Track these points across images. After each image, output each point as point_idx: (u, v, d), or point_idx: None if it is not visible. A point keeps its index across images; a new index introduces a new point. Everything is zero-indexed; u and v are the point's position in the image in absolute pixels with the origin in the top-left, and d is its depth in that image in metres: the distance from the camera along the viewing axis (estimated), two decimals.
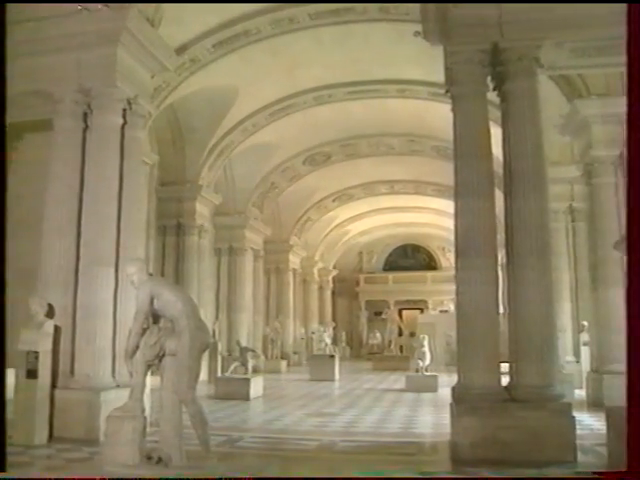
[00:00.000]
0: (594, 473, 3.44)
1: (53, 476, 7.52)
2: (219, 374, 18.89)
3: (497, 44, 9.79)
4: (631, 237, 3.86)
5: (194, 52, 15.24)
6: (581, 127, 14.62)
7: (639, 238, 3.76)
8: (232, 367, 17.46)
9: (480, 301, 9.27)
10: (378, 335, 36.66)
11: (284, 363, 28.92)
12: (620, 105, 13.64)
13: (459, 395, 9.23)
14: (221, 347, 22.56)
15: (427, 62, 12.17)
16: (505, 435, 8.51)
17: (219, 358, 21.21)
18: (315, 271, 40.30)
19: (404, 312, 43.53)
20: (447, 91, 10.38)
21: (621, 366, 13.10)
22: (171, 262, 20.92)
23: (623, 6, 9.36)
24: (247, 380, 16.59)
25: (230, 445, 9.76)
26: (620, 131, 13.82)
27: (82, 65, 11.13)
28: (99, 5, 10.80)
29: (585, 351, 16.70)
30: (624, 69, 11.96)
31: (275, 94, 19.55)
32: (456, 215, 9.78)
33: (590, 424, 11.13)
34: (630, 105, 3.89)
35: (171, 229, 21.22)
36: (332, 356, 24.84)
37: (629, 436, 3.58)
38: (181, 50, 14.44)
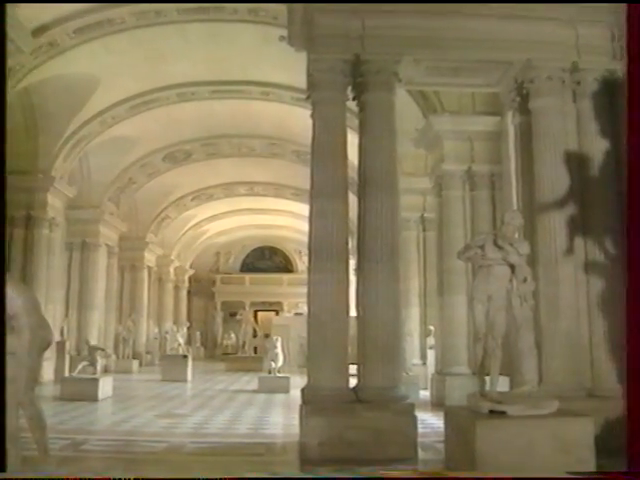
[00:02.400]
0: (599, 473, 3.61)
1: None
2: (66, 374, 18.09)
3: (359, 56, 10.03)
4: (631, 245, 4.05)
5: (53, 35, 14.56)
6: (434, 141, 15.32)
7: (638, 243, 3.95)
8: (80, 367, 16.73)
9: (331, 303, 9.45)
10: (233, 336, 36.61)
11: (136, 363, 28.11)
12: (470, 123, 14.67)
13: (308, 396, 9.37)
14: (69, 346, 21.66)
15: (292, 67, 12.31)
16: (351, 435, 8.74)
17: (67, 357, 20.35)
18: (171, 270, 39.61)
19: (260, 314, 43.76)
20: (308, 97, 10.53)
21: (462, 368, 14.01)
22: (18, 256, 19.78)
23: (476, 31, 10.06)
24: (95, 380, 15.99)
25: (74, 448, 9.37)
26: (468, 147, 14.73)
27: None
28: None
29: (431, 354, 17.43)
30: (475, 89, 12.84)
31: (138, 87, 19.04)
32: (310, 217, 9.92)
33: (432, 423, 11.59)
34: (630, 105, 4.08)
35: (19, 221, 20.05)
36: (185, 356, 24.51)
37: (629, 436, 3.76)
38: (39, 32, 13.75)
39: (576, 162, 10.17)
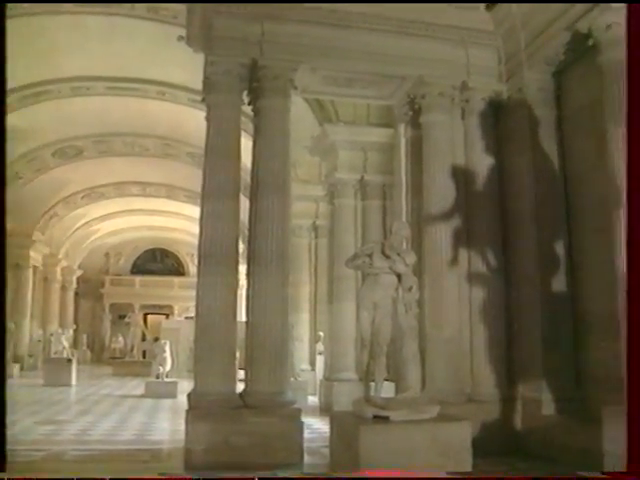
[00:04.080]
0: (602, 473, 3.68)
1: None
2: None
3: (256, 61, 10.06)
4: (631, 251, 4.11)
5: None
6: (329, 150, 15.54)
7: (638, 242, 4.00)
8: None
9: (219, 307, 9.38)
10: (121, 339, 35.61)
11: (17, 367, 26.85)
12: (364, 134, 14.99)
13: (194, 401, 9.27)
14: None
15: (190, 68, 12.15)
16: (237, 440, 8.71)
17: None
18: (58, 270, 38.04)
19: (150, 317, 42.78)
20: (204, 99, 10.46)
21: (349, 374, 14.23)
22: None
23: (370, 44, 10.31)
24: None
25: None
26: (362, 157, 15.05)
27: None
28: None
29: (320, 360, 17.64)
30: (370, 101, 13.12)
31: (29, 77, 18.13)
32: (201, 219, 9.85)
33: (319, 428, 11.73)
34: (630, 106, 4.13)
35: None
36: (69, 360, 23.63)
37: (629, 436, 3.84)
38: None
39: (462, 176, 10.62)
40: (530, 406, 9.68)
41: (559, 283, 9.80)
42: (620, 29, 8.28)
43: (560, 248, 9.89)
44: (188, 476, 7.01)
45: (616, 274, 8.08)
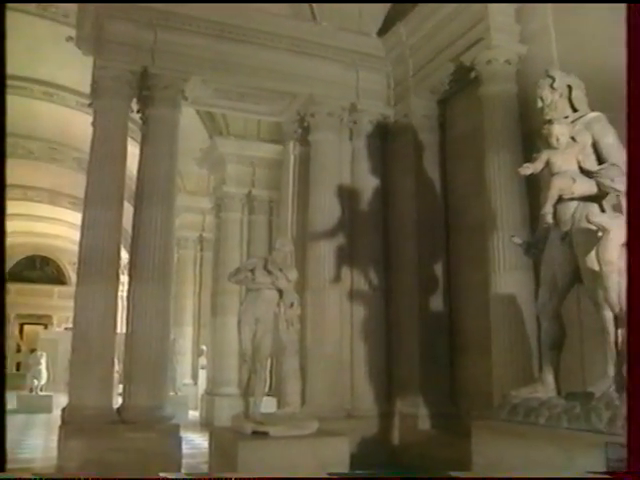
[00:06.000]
0: (603, 473, 3.64)
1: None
2: None
3: (148, 69, 9.90)
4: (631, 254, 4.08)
5: None
6: (218, 163, 15.50)
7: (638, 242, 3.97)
8: None
9: (98, 318, 9.08)
10: None
11: None
12: (254, 149, 15.06)
13: (69, 416, 8.92)
14: None
15: (80, 70, 11.76)
16: (113, 457, 8.39)
17: None
18: None
19: (26, 327, 40.89)
20: (91, 103, 10.20)
21: (231, 389, 14.11)
22: None
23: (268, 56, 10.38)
24: None
25: None
26: (250, 172, 15.09)
27: None
28: None
29: (202, 374, 17.44)
30: (261, 117, 13.17)
31: None
32: (83, 227, 9.56)
33: (200, 443, 11.58)
34: (630, 107, 4.11)
35: None
36: None
37: (629, 436, 3.81)
38: None
39: (348, 195, 10.84)
40: (407, 421, 9.96)
41: (437, 302, 10.16)
42: (499, 65, 8.81)
43: (439, 268, 10.27)
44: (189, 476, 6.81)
45: (488, 294, 8.48)
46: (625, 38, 4.26)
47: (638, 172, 3.96)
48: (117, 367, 11.63)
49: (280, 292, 7.49)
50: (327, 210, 10.61)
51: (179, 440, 9.09)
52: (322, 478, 5.67)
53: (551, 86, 5.41)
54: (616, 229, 4.55)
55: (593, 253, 4.64)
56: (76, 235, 31.73)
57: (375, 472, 8.38)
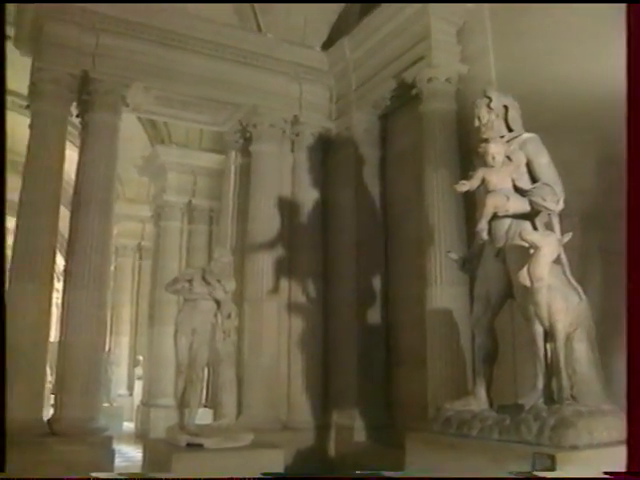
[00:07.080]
0: (604, 473, 3.60)
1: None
2: None
3: (88, 73, 9.73)
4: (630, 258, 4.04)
5: None
6: (158, 171, 15.33)
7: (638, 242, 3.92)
8: None
9: (29, 325, 8.80)
10: None
11: None
12: (195, 158, 14.99)
13: None
14: None
15: (18, 70, 11.43)
16: (42, 471, 8.11)
17: None
18: None
19: None
20: (28, 106, 9.98)
21: (167, 400, 13.89)
22: None
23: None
24: None
25: None
26: (191, 181, 15.00)
27: None
28: None
29: (138, 384, 17.10)
30: (203, 126, 13.10)
31: None
32: (16, 233, 9.27)
33: (133, 456, 11.35)
34: (629, 107, 4.06)
35: None
36: None
37: (629, 436, 3.77)
38: None
39: (288, 207, 10.89)
40: (343, 433, 9.98)
41: (374, 315, 10.25)
42: (439, 83, 9.00)
43: (377, 281, 10.36)
44: (121, 477, 6.61)
45: (425, 308, 8.61)
46: (625, 38, 4.33)
47: (638, 172, 4.05)
48: (50, 377, 11.35)
49: (218, 303, 7.48)
50: (267, 221, 10.61)
51: (112, 452, 8.89)
52: (255, 478, 5.67)
53: (488, 106, 5.57)
54: (547, 246, 4.70)
55: (525, 269, 4.78)
56: (11, 240, 30.97)
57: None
